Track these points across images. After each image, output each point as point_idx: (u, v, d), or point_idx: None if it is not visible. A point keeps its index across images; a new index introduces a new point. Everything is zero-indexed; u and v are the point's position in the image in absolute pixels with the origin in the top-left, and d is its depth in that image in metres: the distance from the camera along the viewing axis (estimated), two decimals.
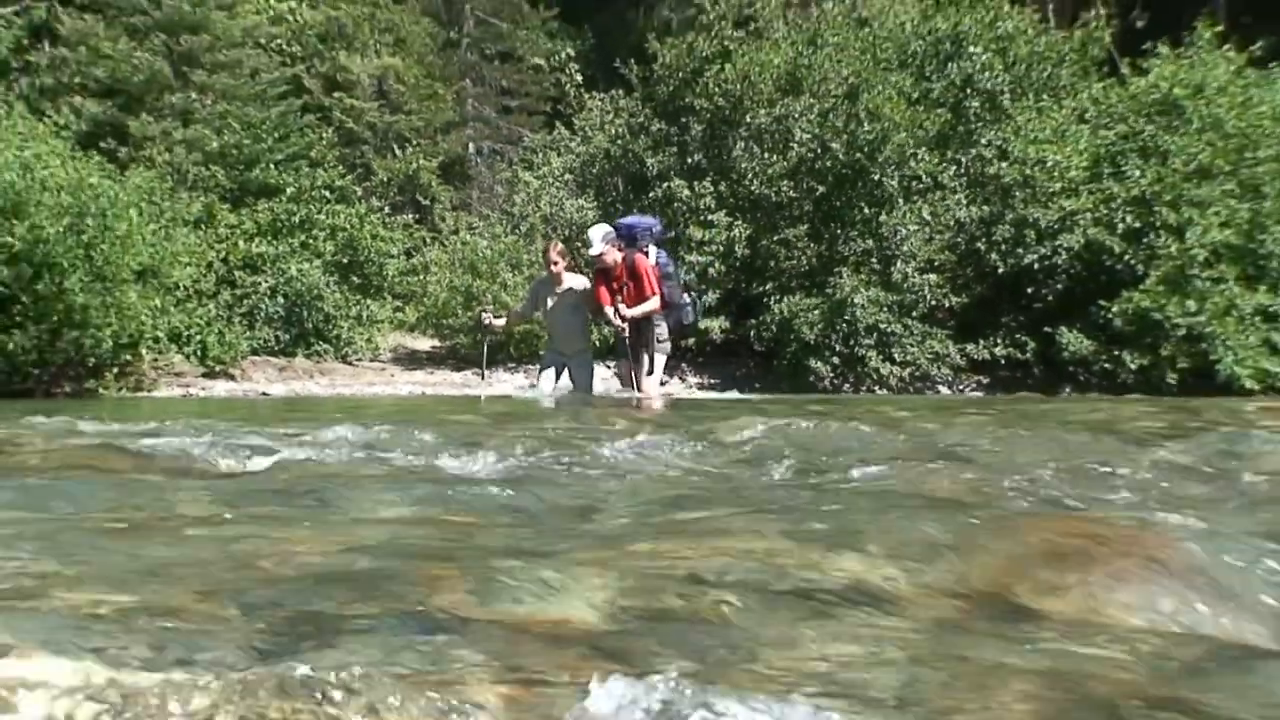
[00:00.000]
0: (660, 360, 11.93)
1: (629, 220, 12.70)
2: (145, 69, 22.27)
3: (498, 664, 2.25)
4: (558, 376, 11.92)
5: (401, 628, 2.50)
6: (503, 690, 2.12)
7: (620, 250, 11.60)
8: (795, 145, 19.99)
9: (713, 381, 20.22)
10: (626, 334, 11.73)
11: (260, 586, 2.87)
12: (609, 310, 11.59)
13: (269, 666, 2.20)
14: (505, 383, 19.10)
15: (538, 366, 12.68)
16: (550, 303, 11.95)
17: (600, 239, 11.61)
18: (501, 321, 13.20)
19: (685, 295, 12.36)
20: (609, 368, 12.96)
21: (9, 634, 2.32)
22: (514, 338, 19.49)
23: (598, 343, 12.11)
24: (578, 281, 12.07)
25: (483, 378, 13.66)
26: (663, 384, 12.65)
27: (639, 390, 11.70)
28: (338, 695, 2.04)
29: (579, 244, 18.33)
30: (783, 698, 2.09)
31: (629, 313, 11.52)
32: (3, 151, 16.09)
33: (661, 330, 11.80)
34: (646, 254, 11.70)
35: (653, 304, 11.56)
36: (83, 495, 4.46)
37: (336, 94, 25.02)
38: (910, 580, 3.05)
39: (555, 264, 11.87)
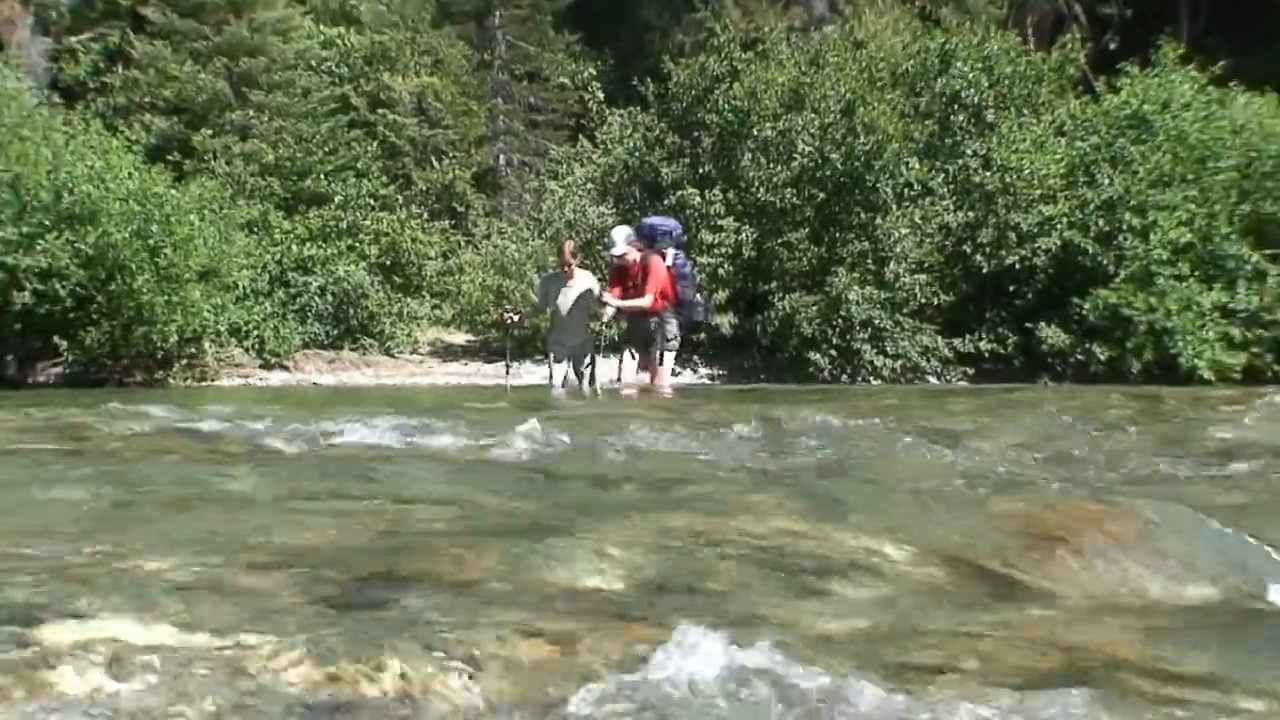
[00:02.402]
0: (669, 356, 11.82)
1: (651, 221, 12.53)
2: (208, 89, 22.34)
3: (529, 627, 2.28)
4: (573, 373, 11.72)
5: (443, 594, 2.53)
6: (533, 650, 2.14)
7: (639, 250, 11.50)
8: (798, 156, 19.95)
9: (721, 372, 20.20)
10: (644, 325, 11.61)
11: (314, 557, 2.89)
12: (605, 298, 11.38)
13: (322, 629, 2.22)
14: (533, 374, 19.07)
15: (547, 364, 12.36)
16: (561, 296, 11.70)
17: (623, 240, 11.47)
18: (517, 303, 12.97)
19: (699, 295, 12.22)
20: (630, 357, 12.77)
21: (95, 599, 2.35)
22: (539, 333, 19.52)
23: (615, 336, 11.94)
24: (586, 277, 11.86)
25: (507, 371, 13.60)
26: (676, 374, 12.57)
27: (650, 381, 11.60)
28: (384, 655, 2.07)
29: (599, 246, 18.27)
30: (796, 661, 2.11)
31: (616, 303, 11.36)
32: (76, 164, 16.18)
33: (671, 328, 11.65)
34: (664, 256, 11.58)
35: (643, 302, 11.34)
36: (156, 475, 4.50)
37: (380, 111, 25.05)
38: (901, 553, 3.07)
39: (570, 261, 11.64)
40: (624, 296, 11.33)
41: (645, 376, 11.67)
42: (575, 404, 10.09)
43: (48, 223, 15.89)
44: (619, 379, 11.81)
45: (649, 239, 11.65)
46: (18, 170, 15.96)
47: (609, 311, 11.50)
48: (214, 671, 2.00)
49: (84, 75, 23.53)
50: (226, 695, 1.92)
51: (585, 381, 11.61)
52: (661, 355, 11.68)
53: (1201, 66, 20.39)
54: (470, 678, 2.00)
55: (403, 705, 1.91)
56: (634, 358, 11.85)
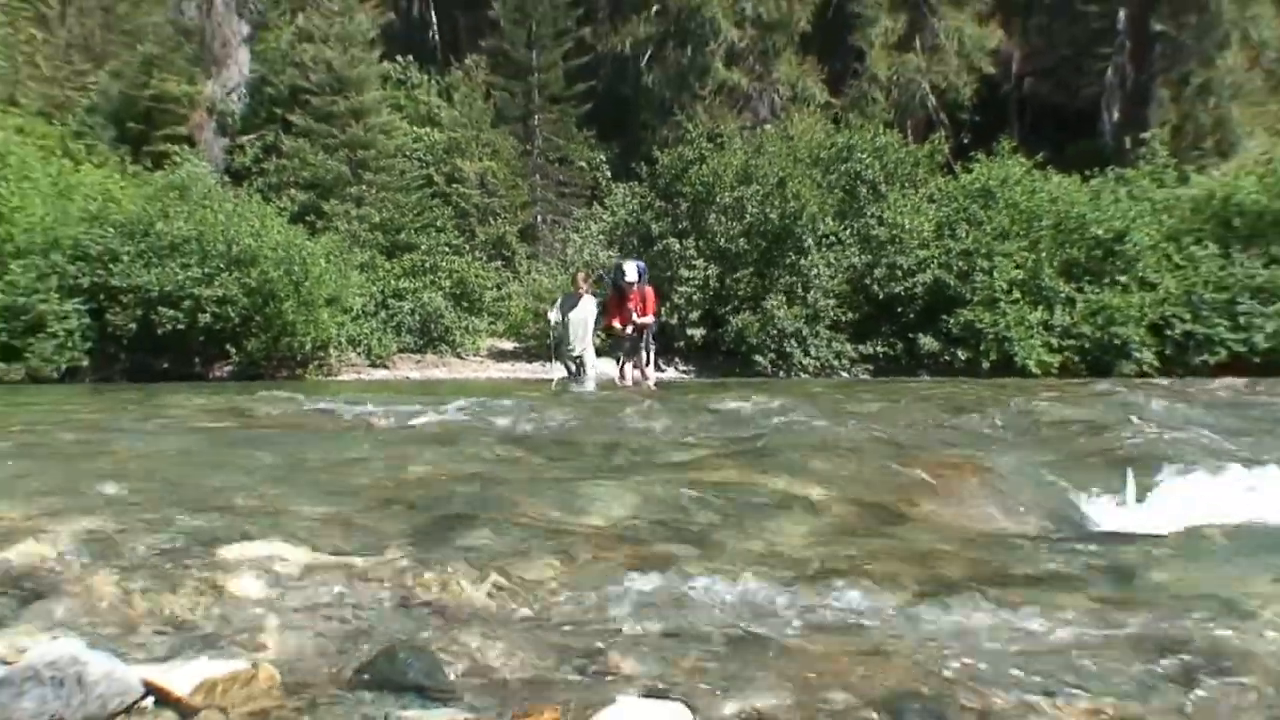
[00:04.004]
0: (653, 356, 11.75)
1: (635, 262, 12.46)
2: (334, 171, 22.26)
3: (551, 550, 2.28)
4: (578, 370, 11.56)
5: (496, 527, 2.53)
6: (561, 568, 2.15)
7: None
8: (747, 216, 19.93)
9: (694, 369, 20.17)
10: (635, 337, 11.45)
11: (407, 500, 2.90)
12: (627, 317, 11.22)
13: (412, 552, 2.23)
14: (563, 371, 19.11)
15: (561, 366, 12.12)
16: (573, 311, 11.60)
17: (634, 270, 11.41)
18: (554, 313, 12.61)
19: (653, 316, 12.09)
20: (618, 360, 12.45)
21: (258, 529, 2.36)
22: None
23: (606, 342, 11.79)
24: (590, 300, 11.76)
25: (554, 362, 13.14)
26: (661, 370, 12.47)
27: (642, 375, 11.53)
28: (457, 569, 2.08)
29: (601, 272, 17.95)
30: (736, 574, 2.12)
31: (641, 321, 11.30)
32: (241, 224, 16.18)
33: (649, 337, 11.62)
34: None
35: (649, 319, 11.37)
36: (297, 442, 4.49)
37: (454, 185, 24.95)
38: (821, 495, 3.07)
39: (582, 286, 11.64)
40: (625, 318, 11.24)
41: (637, 374, 11.59)
42: (588, 393, 10.08)
43: (222, 265, 15.84)
44: (621, 376, 11.75)
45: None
46: (201, 229, 15.94)
47: (628, 329, 11.35)
48: (336, 580, 2.00)
49: (249, 163, 23.47)
50: (344, 596, 1.92)
51: (589, 376, 11.50)
52: (649, 356, 11.65)
53: (1027, 156, 20.44)
54: (518, 585, 2.00)
55: (469, 604, 1.91)
56: (628, 360, 11.75)
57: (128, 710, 1.31)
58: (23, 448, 4.23)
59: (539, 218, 26.64)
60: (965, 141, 24.26)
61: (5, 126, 17.02)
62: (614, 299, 11.46)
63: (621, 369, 11.68)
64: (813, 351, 18.99)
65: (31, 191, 15.91)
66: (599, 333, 11.91)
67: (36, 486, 3.04)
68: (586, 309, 11.51)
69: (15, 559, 2.09)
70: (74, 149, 19.75)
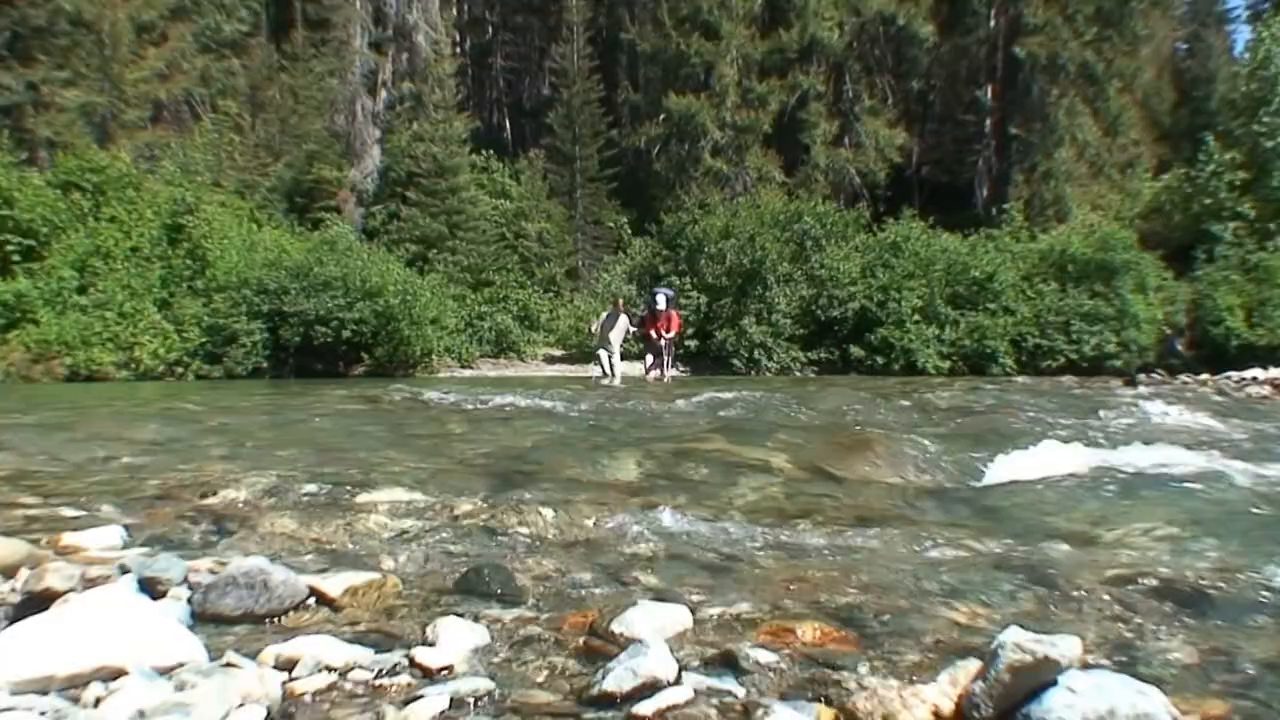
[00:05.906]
0: (670, 360, 11.59)
1: (665, 291, 12.19)
2: (436, 231, 22.30)
3: (590, 498, 2.29)
4: (611, 369, 11.44)
5: (550, 480, 2.54)
6: (596, 510, 2.15)
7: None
8: (727, 261, 19.81)
9: (689, 370, 20.12)
10: (661, 346, 11.26)
11: (482, 461, 2.90)
12: (659, 331, 11.06)
13: (485, 496, 2.24)
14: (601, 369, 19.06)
15: (598, 366, 11.93)
16: (613, 326, 11.48)
17: (664, 299, 11.26)
18: (595, 325, 12.47)
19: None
20: (645, 361, 12.30)
21: (383, 480, 2.38)
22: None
23: (637, 348, 11.68)
24: (624, 318, 11.63)
25: (596, 365, 12.96)
26: (671, 370, 12.33)
27: (660, 374, 11.41)
28: (517, 508, 2.08)
29: (627, 298, 17.72)
30: (722, 516, 2.11)
31: (668, 336, 11.16)
32: (370, 268, 16.30)
33: (670, 346, 11.47)
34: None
35: (674, 334, 11.26)
36: (408, 420, 4.52)
37: (519, 239, 24.98)
38: (782, 460, 3.06)
39: (618, 307, 11.60)
40: (659, 332, 11.18)
41: (656, 373, 11.49)
42: (616, 386, 10.08)
43: (358, 297, 16.01)
44: (647, 374, 11.69)
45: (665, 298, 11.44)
46: (345, 272, 16.19)
47: (662, 343, 11.18)
48: (438, 517, 2.01)
49: (378, 225, 23.60)
50: (444, 528, 1.93)
51: (617, 373, 11.41)
52: (669, 361, 11.53)
53: (924, 220, 20.37)
54: (565, 521, 2.01)
55: (532, 534, 1.92)
56: (653, 362, 11.61)
57: (297, 607, 1.33)
58: (222, 423, 4.27)
59: (580, 262, 26.55)
60: (881, 210, 24.05)
61: (212, 202, 17.39)
62: (649, 317, 11.44)
63: (647, 368, 11.68)
64: (775, 357, 18.92)
65: (229, 246, 16.33)
66: (627, 341, 11.82)
67: (231, 450, 3.08)
68: (621, 325, 11.54)
69: (216, 502, 2.12)
70: (259, 217, 19.95)
